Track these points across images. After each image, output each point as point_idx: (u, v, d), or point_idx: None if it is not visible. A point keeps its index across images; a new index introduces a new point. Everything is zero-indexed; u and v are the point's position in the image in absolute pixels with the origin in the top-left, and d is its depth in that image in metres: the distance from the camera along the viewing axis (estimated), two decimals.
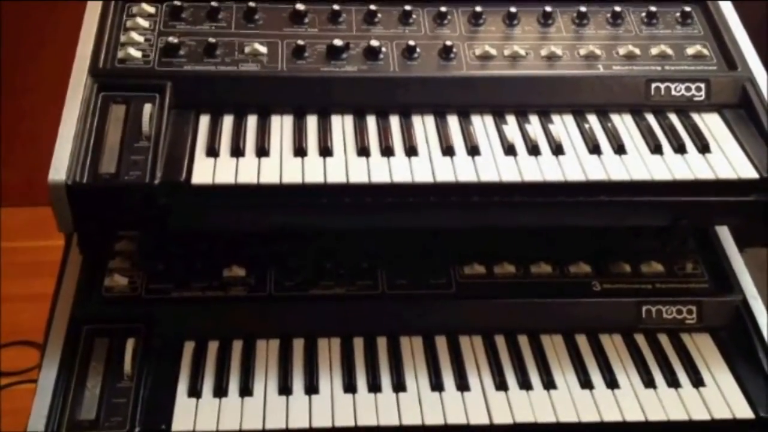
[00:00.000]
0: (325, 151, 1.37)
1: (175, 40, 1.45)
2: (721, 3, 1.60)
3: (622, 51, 1.52)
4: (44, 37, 2.55)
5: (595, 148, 1.40)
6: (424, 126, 1.43)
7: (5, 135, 2.67)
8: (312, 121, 1.42)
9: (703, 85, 1.48)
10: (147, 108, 1.36)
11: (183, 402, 1.30)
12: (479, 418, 1.30)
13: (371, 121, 1.43)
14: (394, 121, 1.44)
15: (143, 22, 1.49)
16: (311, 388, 1.33)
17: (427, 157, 1.37)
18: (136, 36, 1.47)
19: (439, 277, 1.47)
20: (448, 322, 1.43)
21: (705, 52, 1.53)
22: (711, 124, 1.46)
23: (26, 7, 2.54)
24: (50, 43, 2.51)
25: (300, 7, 1.53)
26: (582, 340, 1.43)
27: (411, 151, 1.38)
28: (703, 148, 1.41)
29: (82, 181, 1.27)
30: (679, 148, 1.41)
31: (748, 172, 1.37)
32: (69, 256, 1.46)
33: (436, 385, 1.34)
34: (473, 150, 1.38)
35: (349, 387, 1.33)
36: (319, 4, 1.54)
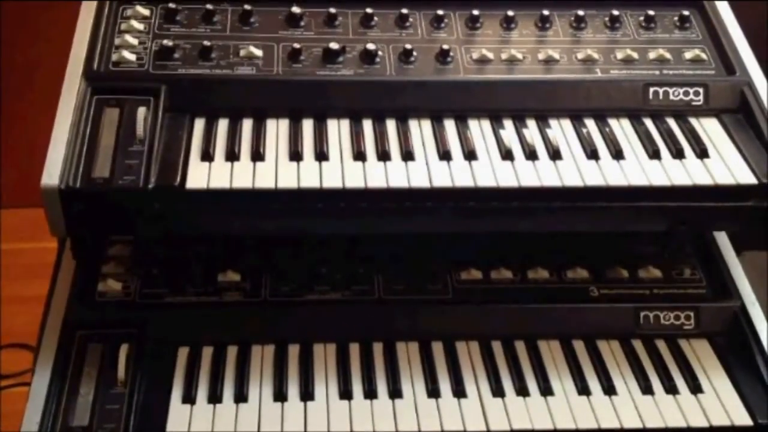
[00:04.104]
0: (321, 155, 1.36)
1: (170, 43, 1.44)
2: (719, 7, 1.59)
3: (620, 55, 1.51)
4: (41, 38, 2.54)
5: (593, 153, 1.39)
6: (420, 130, 1.42)
7: (1, 137, 2.66)
8: (308, 125, 1.41)
9: (701, 90, 1.47)
10: (141, 111, 1.35)
11: (177, 408, 1.29)
12: (476, 425, 1.29)
13: (367, 126, 1.42)
14: (391, 125, 1.43)
15: (138, 25, 1.48)
16: (306, 395, 1.32)
17: (423, 162, 1.36)
18: (130, 39, 1.46)
19: (436, 282, 1.46)
20: (445, 328, 1.42)
21: (703, 56, 1.53)
22: (709, 129, 1.45)
23: (23, 9, 2.53)
24: (48, 45, 2.49)
25: (296, 10, 1.52)
26: (579, 346, 1.42)
27: (407, 155, 1.37)
28: (702, 153, 1.40)
29: (75, 186, 1.26)
30: (678, 154, 1.40)
31: (747, 178, 1.36)
32: (62, 261, 1.45)
33: (433, 392, 1.33)
34: (470, 155, 1.38)
35: (345, 393, 1.32)
36: (315, 7, 1.54)
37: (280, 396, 1.31)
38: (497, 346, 1.41)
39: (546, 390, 1.34)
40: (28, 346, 2.13)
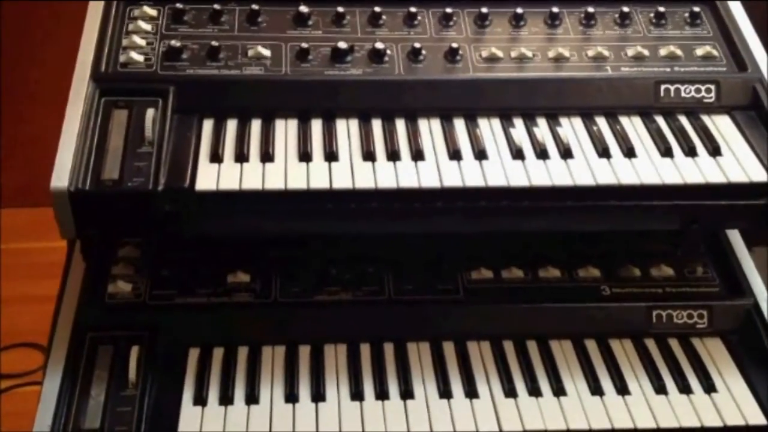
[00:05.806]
0: (331, 155, 1.35)
1: (178, 44, 1.44)
2: (730, 3, 1.58)
3: (630, 52, 1.50)
4: (46, 38, 2.54)
5: (604, 152, 1.38)
6: (430, 130, 1.41)
7: (5, 136, 2.65)
8: (317, 126, 1.41)
9: (712, 87, 1.46)
10: (150, 113, 1.34)
11: (188, 410, 1.29)
12: (488, 426, 1.28)
13: (377, 125, 1.42)
14: (400, 124, 1.42)
15: (145, 26, 1.48)
16: (318, 396, 1.31)
17: (433, 162, 1.35)
18: (138, 39, 1.45)
19: (447, 282, 1.45)
20: (456, 328, 1.42)
21: (714, 52, 1.52)
22: (721, 126, 1.44)
23: (28, 9, 2.53)
24: (52, 45, 2.50)
25: (304, 9, 1.51)
26: (592, 346, 1.41)
27: (417, 155, 1.36)
28: (714, 150, 1.39)
29: (84, 188, 1.26)
30: (690, 151, 1.39)
31: (760, 175, 1.35)
32: (72, 262, 1.45)
33: (445, 392, 1.33)
34: (480, 154, 1.37)
35: (356, 394, 1.32)
36: (323, 6, 1.53)
37: (291, 397, 1.31)
38: (509, 346, 1.40)
39: (558, 390, 1.34)
40: (32, 345, 2.14)
